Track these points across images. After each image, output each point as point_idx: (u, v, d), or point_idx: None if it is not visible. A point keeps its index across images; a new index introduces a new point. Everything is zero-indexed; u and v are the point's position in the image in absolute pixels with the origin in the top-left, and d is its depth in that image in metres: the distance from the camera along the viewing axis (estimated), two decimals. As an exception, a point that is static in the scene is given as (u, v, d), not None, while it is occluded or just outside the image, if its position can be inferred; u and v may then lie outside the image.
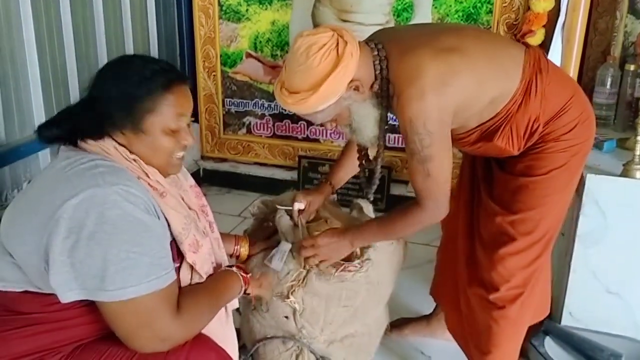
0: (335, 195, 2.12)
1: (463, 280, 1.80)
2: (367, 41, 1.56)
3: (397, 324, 2.22)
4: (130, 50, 3.22)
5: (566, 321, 2.13)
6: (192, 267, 1.32)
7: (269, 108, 3.46)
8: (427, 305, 2.27)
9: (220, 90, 3.51)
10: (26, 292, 1.17)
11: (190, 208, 1.38)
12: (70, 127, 1.25)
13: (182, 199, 1.36)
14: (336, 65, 1.42)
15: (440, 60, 1.45)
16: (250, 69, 3.42)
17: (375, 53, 1.51)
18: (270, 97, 3.41)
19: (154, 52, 3.45)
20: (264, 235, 1.89)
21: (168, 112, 1.25)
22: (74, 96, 2.82)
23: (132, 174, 1.22)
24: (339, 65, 1.42)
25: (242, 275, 1.47)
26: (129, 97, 1.22)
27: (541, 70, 1.54)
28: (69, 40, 2.76)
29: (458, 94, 1.47)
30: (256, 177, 3.56)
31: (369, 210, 2.01)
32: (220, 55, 3.44)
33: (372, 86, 1.53)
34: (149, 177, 1.25)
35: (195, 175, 3.61)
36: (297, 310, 1.75)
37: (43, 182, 1.23)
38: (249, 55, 3.39)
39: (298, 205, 1.82)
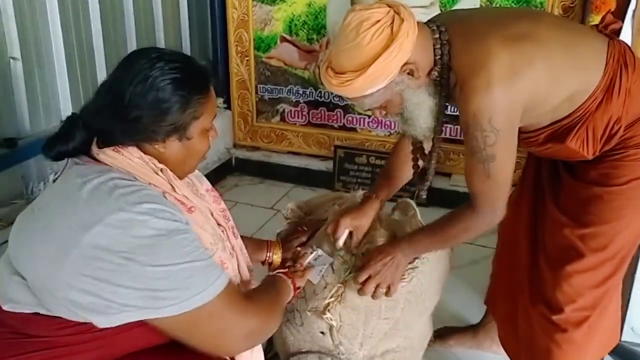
0: (361, 192, 1.97)
1: (523, 296, 1.66)
2: (428, 23, 1.41)
3: (441, 334, 2.09)
4: (160, 35, 3.12)
5: (627, 337, 1.99)
6: None
7: (303, 95, 3.34)
8: (471, 311, 2.16)
9: (254, 76, 3.41)
10: (36, 314, 1.11)
11: (218, 224, 1.32)
12: (86, 137, 1.16)
13: (212, 214, 1.30)
14: (388, 45, 1.28)
15: (511, 48, 1.30)
16: (284, 54, 3.31)
17: (437, 36, 1.37)
18: (306, 83, 3.31)
19: (185, 36, 3.36)
20: (298, 240, 1.75)
21: (210, 115, 1.21)
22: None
23: (156, 191, 1.14)
24: (392, 45, 1.28)
25: (291, 280, 1.44)
26: (170, 107, 1.13)
27: (627, 66, 1.38)
28: (96, 24, 2.67)
29: (530, 86, 1.32)
30: (290, 167, 3.47)
31: (414, 211, 1.85)
32: (254, 39, 3.33)
33: (429, 72, 1.38)
34: (175, 190, 1.18)
35: (227, 163, 3.53)
36: (334, 326, 1.65)
37: (56, 202, 1.14)
38: (283, 40, 3.28)
39: (342, 241, 1.67)
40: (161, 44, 3.16)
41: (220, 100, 3.43)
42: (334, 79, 1.34)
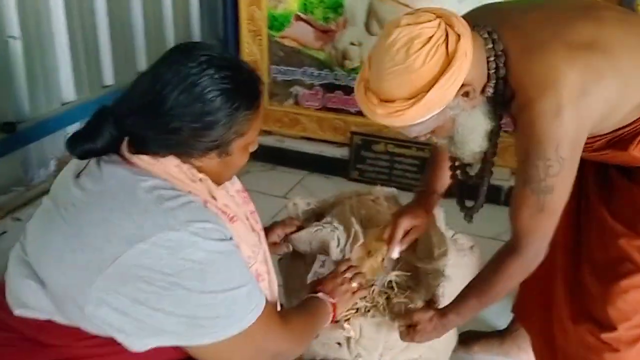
0: (395, 190, 1.82)
1: (562, 310, 1.53)
2: (475, 27, 1.22)
3: (464, 339, 1.96)
4: (168, 12, 2.98)
5: None
6: None
7: (318, 77, 3.19)
8: (495, 312, 2.01)
9: (266, 57, 3.26)
10: (50, 321, 1.04)
11: (253, 229, 1.23)
12: (117, 136, 1.04)
13: (247, 219, 1.22)
14: (445, 68, 1.11)
15: (580, 62, 1.15)
16: (299, 33, 3.16)
17: (490, 46, 1.20)
18: (321, 65, 3.16)
19: (194, 13, 3.23)
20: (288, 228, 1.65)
21: (255, 132, 1.13)
22: (106, 65, 2.63)
23: (197, 200, 1.06)
24: (451, 68, 1.11)
25: (330, 303, 1.36)
26: (215, 122, 1.03)
27: None
28: (100, 0, 2.52)
29: (600, 104, 1.18)
30: (303, 154, 3.33)
31: (440, 217, 1.71)
32: (267, 18, 3.18)
33: (484, 89, 1.22)
34: (216, 200, 1.10)
35: (237, 148, 3.37)
36: (352, 338, 1.54)
37: (90, 207, 1.03)
38: (298, 18, 3.13)
39: (396, 253, 1.56)
40: (169, 21, 3.03)
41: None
42: (379, 107, 1.16)
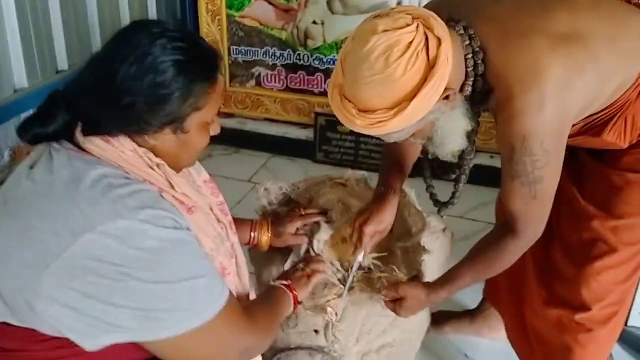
0: (365, 172, 1.79)
1: (534, 293, 1.54)
2: (449, 22, 1.17)
3: (436, 319, 1.95)
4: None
5: (635, 321, 1.91)
6: None
7: (280, 57, 3.13)
8: (467, 295, 1.99)
9: (226, 37, 3.17)
10: (6, 323, 0.98)
11: (219, 221, 1.19)
12: (70, 119, 1.00)
13: (211, 210, 1.17)
14: (427, 75, 1.06)
15: (562, 54, 1.12)
16: (259, 13, 3.08)
17: (467, 42, 1.15)
18: (283, 45, 3.09)
19: (150, -8, 3.08)
20: (292, 225, 1.56)
21: (213, 107, 1.07)
22: (59, 49, 2.51)
23: (152, 188, 1.01)
24: (433, 76, 1.05)
25: (292, 294, 1.34)
26: (169, 94, 0.98)
27: None
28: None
29: (582, 97, 1.16)
30: (267, 136, 3.28)
31: (411, 195, 1.69)
32: (226, -4, 3.11)
33: (462, 88, 1.18)
34: (174, 188, 1.04)
35: (199, 132, 3.28)
36: (333, 322, 1.51)
37: (36, 198, 0.98)
38: (258, -3, 3.07)
39: (361, 257, 1.51)
40: (124, 1, 2.90)
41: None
42: (358, 118, 1.10)
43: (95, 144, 0.99)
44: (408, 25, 1.06)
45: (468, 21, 1.17)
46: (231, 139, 3.31)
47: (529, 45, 1.12)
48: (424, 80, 1.06)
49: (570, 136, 1.27)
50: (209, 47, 1.04)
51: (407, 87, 1.06)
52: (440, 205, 1.46)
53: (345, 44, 1.14)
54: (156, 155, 1.02)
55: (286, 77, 3.16)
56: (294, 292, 1.33)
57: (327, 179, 1.70)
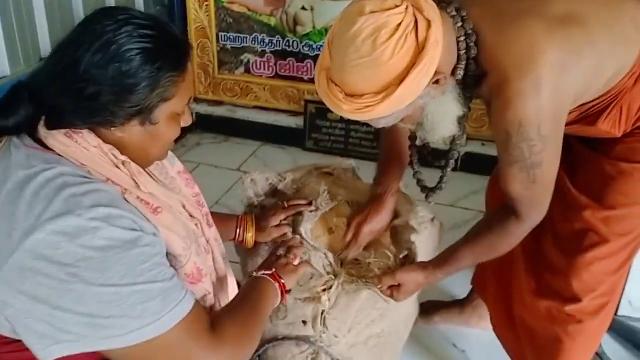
0: (352, 162, 1.76)
1: (523, 284, 1.51)
2: (439, 2, 1.13)
3: (425, 309, 1.94)
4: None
5: (624, 310, 1.90)
6: None
7: (270, 44, 3.08)
8: (455, 281, 1.96)
9: (214, 23, 3.12)
10: None
11: (192, 216, 1.13)
12: (33, 113, 0.94)
13: (184, 207, 1.11)
14: (416, 58, 1.02)
15: (559, 38, 1.08)
16: (248, -2, 3.04)
17: (459, 24, 1.11)
18: (272, 31, 3.04)
19: (136, -22, 3.01)
20: (275, 218, 1.53)
21: (183, 97, 1.01)
22: (42, 36, 2.46)
23: (115, 189, 0.96)
24: (422, 59, 1.02)
25: (279, 283, 1.24)
26: (136, 84, 0.93)
27: None
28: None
29: (579, 81, 1.12)
30: (256, 124, 3.23)
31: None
32: (213, -18, 3.05)
33: (453, 71, 1.14)
34: (139, 187, 0.99)
35: (187, 120, 3.23)
36: (326, 311, 1.49)
37: None
38: (246, -18, 3.00)
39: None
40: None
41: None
42: (345, 103, 1.07)
43: (58, 139, 0.94)
44: (397, 6, 1.02)
45: (460, 3, 1.14)
46: (220, 127, 3.29)
47: (525, 28, 1.08)
48: (412, 64, 1.03)
49: (566, 124, 1.24)
50: (177, 35, 0.99)
51: (395, 71, 1.03)
52: (428, 191, 1.43)
53: (333, 26, 1.10)
54: (124, 149, 0.97)
55: (275, 64, 3.11)
56: (281, 280, 1.24)
57: (313, 169, 1.66)
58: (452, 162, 1.32)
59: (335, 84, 1.08)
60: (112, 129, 0.95)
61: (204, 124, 3.30)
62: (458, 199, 2.65)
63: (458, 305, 1.98)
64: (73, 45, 0.92)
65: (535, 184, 1.18)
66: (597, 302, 1.40)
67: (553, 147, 1.15)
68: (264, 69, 3.14)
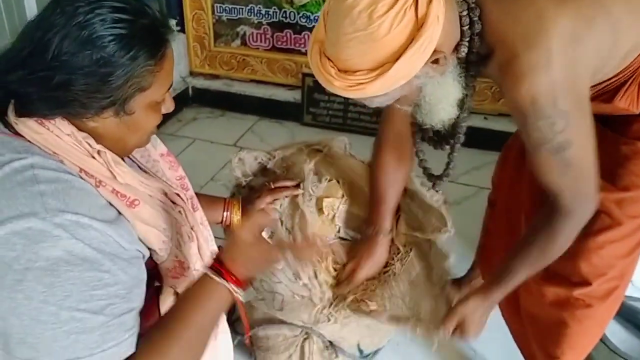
0: (345, 138, 1.69)
1: None
2: None
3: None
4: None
5: (627, 291, 1.80)
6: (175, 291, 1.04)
7: (266, 15, 2.99)
8: (454, 263, 1.91)
9: (209, -6, 3.05)
10: None
11: (175, 204, 1.06)
12: (2, 96, 0.89)
13: (165, 194, 1.04)
14: (414, 35, 0.95)
15: (570, 8, 1.00)
16: (243, -32, 2.94)
17: None
18: (268, 2, 2.95)
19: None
20: (261, 201, 1.48)
21: (162, 86, 0.93)
22: (30, 8, 2.37)
23: (88, 181, 0.89)
24: (420, 37, 0.94)
25: (227, 282, 0.97)
26: (110, 73, 0.85)
27: None
28: None
29: (594, 53, 1.04)
30: (253, 98, 3.16)
31: (416, 184, 1.58)
32: (208, -49, 2.95)
33: (456, 48, 1.07)
34: (115, 179, 0.93)
35: (183, 94, 3.21)
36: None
37: None
38: (242, -49, 2.91)
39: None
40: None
41: (173, 22, 3.06)
42: (337, 79, 1.00)
43: (29, 126, 0.87)
44: None
45: None
46: (217, 101, 3.23)
47: (532, 3, 1.01)
48: (410, 41, 0.95)
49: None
50: (157, 19, 0.90)
51: (391, 47, 0.96)
52: (434, 179, 1.38)
53: None
54: (99, 139, 0.91)
55: (272, 36, 3.03)
56: (231, 276, 0.97)
57: (304, 146, 1.60)
58: (457, 147, 1.26)
59: (329, 59, 1.01)
60: (85, 119, 0.88)
61: (200, 99, 3.25)
62: (459, 174, 2.58)
63: (456, 284, 1.92)
64: (42, 27, 0.83)
65: (572, 168, 1.09)
66: (607, 286, 1.34)
67: (580, 124, 1.06)
68: (261, 41, 3.06)
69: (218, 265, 0.96)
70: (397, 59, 0.95)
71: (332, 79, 1.00)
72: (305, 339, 1.58)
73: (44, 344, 0.80)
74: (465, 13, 1.04)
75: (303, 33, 2.97)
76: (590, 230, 1.27)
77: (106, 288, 0.83)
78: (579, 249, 1.30)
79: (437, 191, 1.46)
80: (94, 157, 0.90)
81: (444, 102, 1.12)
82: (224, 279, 0.95)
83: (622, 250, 1.30)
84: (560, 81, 1.00)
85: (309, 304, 1.45)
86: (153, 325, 0.94)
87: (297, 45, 3.01)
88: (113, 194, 0.91)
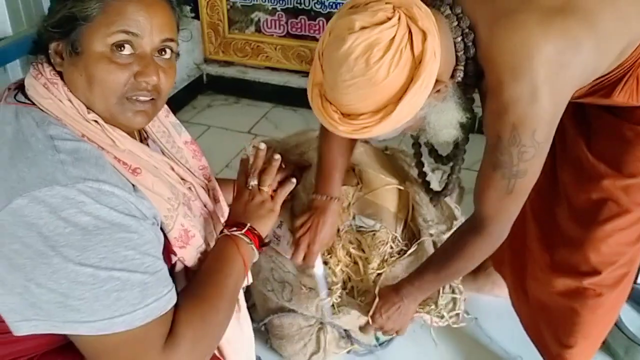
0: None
1: (538, 261, 1.45)
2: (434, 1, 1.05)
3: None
4: None
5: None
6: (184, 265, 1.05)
7: (281, 2, 2.98)
8: None
9: (224, -20, 3.03)
10: None
11: (183, 180, 1.05)
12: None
13: (172, 169, 1.03)
14: (414, 75, 0.95)
15: (555, 31, 0.99)
16: (258, -46, 2.92)
17: (455, 24, 1.03)
18: (283, -12, 2.92)
19: None
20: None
21: (111, 24, 0.88)
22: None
23: (94, 146, 0.89)
24: (420, 75, 0.95)
25: (255, 241, 1.06)
26: None
27: None
28: None
29: (578, 72, 1.04)
30: (267, 85, 3.15)
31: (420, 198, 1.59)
32: (222, -64, 2.93)
33: (453, 74, 1.06)
34: (115, 143, 0.91)
35: (197, 81, 3.20)
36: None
37: None
38: (256, -64, 2.88)
39: (321, 270, 1.46)
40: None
41: (188, 8, 3.06)
42: (342, 124, 1.00)
43: (37, 90, 0.90)
44: (389, 19, 0.94)
45: (457, 1, 1.05)
46: (231, 88, 3.22)
47: (519, 24, 1.00)
48: (410, 80, 0.96)
49: (577, 97, 1.16)
50: None
51: (392, 89, 0.96)
52: (434, 195, 1.41)
53: (322, 36, 1.03)
54: (89, 111, 0.90)
55: (287, 23, 3.01)
56: (255, 235, 1.06)
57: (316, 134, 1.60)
58: (457, 168, 1.29)
59: (330, 103, 1.02)
60: (53, 63, 0.91)
61: (215, 86, 3.24)
62: (475, 161, 2.52)
63: (472, 272, 1.92)
64: None
65: (511, 195, 1.11)
66: (617, 274, 1.34)
67: (542, 156, 1.08)
68: (275, 27, 3.04)
69: (249, 232, 1.04)
70: (400, 99, 0.96)
71: (336, 124, 1.01)
72: (319, 329, 1.59)
73: (86, 304, 0.81)
74: (459, 39, 1.04)
75: (318, 19, 2.94)
76: (597, 219, 1.28)
77: (137, 248, 0.85)
78: (587, 239, 1.30)
79: (434, 206, 1.48)
80: (90, 123, 0.90)
81: (448, 127, 1.11)
82: (254, 241, 1.04)
83: (631, 237, 1.30)
84: (543, 113, 1.01)
85: (315, 295, 1.45)
86: (185, 290, 0.96)
87: (312, 31, 2.98)
88: (115, 160, 0.91)
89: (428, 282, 1.32)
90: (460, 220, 1.55)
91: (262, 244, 1.09)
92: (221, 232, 1.07)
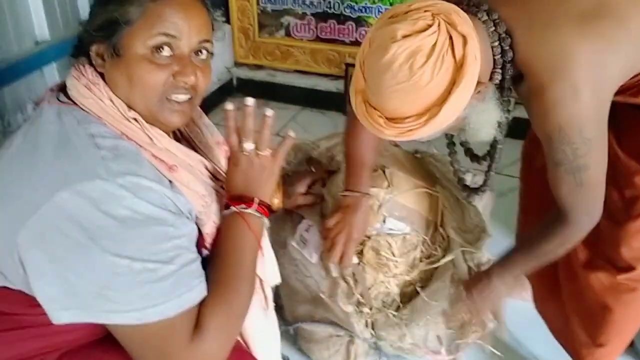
0: None
1: (570, 258, 1.44)
2: (471, 8, 1.08)
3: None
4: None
5: None
6: None
7: (311, 6, 3.00)
8: (497, 248, 1.88)
9: (254, -15, 3.07)
10: (5, 287, 0.93)
11: (216, 178, 1.07)
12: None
13: (206, 168, 1.06)
14: (456, 78, 0.99)
15: (590, 34, 1.04)
16: (288, -42, 2.96)
17: (492, 29, 1.07)
18: (312, -8, 2.95)
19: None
20: (301, 184, 1.51)
21: (151, 27, 0.92)
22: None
23: (131, 145, 0.92)
24: (463, 78, 0.98)
25: (257, 212, 1.03)
26: None
27: None
28: None
29: (619, 70, 1.08)
30: (296, 88, 3.18)
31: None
32: (253, -59, 2.97)
33: (491, 76, 1.10)
34: (153, 142, 0.95)
35: (227, 84, 3.25)
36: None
37: (23, 153, 0.93)
38: (286, -58, 2.92)
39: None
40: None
41: (218, 12, 3.10)
42: (388, 128, 1.04)
43: (79, 90, 0.94)
44: (429, 26, 0.98)
45: (490, 4, 1.09)
46: (260, 91, 3.23)
47: (555, 29, 1.04)
48: (453, 83, 1.00)
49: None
50: None
51: (436, 93, 1.00)
52: (470, 191, 1.42)
53: (362, 46, 1.07)
54: (129, 109, 0.94)
55: (316, 27, 3.03)
56: (265, 208, 1.05)
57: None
58: (494, 166, 1.31)
59: (375, 108, 1.05)
60: (94, 65, 0.95)
61: (244, 89, 3.28)
62: (504, 166, 2.52)
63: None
64: None
65: (583, 188, 1.14)
66: None
67: (599, 147, 1.11)
68: (305, 32, 3.07)
69: (232, 202, 1.03)
70: (444, 101, 0.99)
71: (382, 128, 1.04)
72: (349, 340, 1.59)
73: (121, 295, 0.84)
74: (496, 43, 1.07)
75: (347, 23, 2.96)
76: (629, 216, 1.29)
77: (172, 240, 0.88)
78: (619, 235, 1.32)
79: (469, 202, 1.50)
80: (129, 121, 0.93)
81: (487, 126, 1.15)
82: (245, 206, 1.02)
83: None
84: (586, 112, 1.04)
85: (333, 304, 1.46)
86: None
87: (341, 35, 3.00)
88: (153, 158, 0.94)
89: (518, 265, 1.35)
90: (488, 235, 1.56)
91: (271, 211, 1.08)
92: (227, 206, 1.04)
